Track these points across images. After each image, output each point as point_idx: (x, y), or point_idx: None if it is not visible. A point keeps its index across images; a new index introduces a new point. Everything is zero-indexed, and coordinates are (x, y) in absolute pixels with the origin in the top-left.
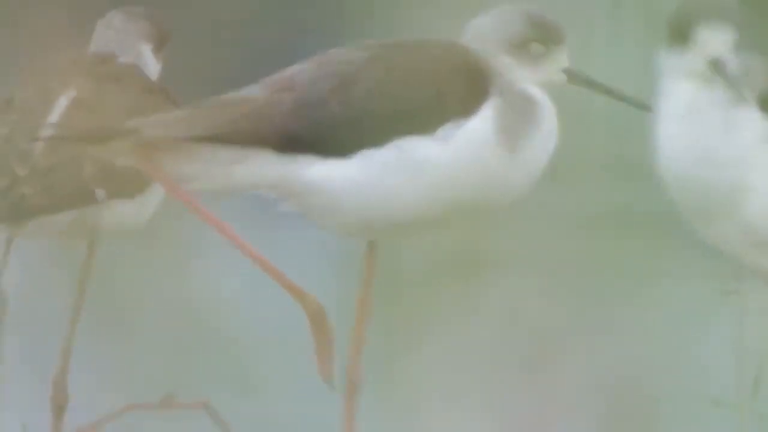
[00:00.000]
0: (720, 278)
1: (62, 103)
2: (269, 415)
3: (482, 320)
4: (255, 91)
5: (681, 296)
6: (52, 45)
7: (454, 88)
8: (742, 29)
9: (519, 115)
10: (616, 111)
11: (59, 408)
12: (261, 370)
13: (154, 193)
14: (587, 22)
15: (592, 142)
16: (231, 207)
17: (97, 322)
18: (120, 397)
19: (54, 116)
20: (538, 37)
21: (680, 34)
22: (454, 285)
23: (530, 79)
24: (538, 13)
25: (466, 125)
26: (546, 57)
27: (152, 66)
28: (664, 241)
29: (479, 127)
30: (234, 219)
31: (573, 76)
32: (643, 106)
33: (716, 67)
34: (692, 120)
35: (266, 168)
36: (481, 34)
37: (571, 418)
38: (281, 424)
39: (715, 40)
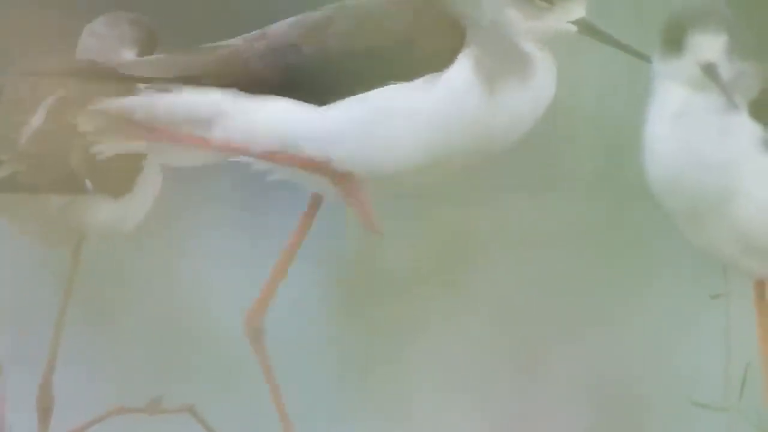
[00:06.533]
0: (707, 281)
1: (50, 101)
2: (254, 418)
3: (471, 321)
4: (234, 42)
5: (669, 299)
6: (44, 47)
7: (427, 39)
8: (734, 35)
9: (500, 61)
10: (608, 116)
11: (45, 410)
12: (248, 373)
13: (141, 196)
14: None
15: (583, 148)
16: (224, 189)
17: (84, 325)
18: (106, 400)
19: (41, 112)
20: None
21: (674, 40)
22: (443, 283)
23: (538, 32)
24: None
25: (445, 74)
26: (552, 9)
27: None
28: (652, 244)
29: (457, 75)
30: (227, 201)
31: (583, 26)
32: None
33: (708, 71)
34: (683, 124)
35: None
36: None
37: (560, 418)
38: (267, 427)
39: (708, 45)
